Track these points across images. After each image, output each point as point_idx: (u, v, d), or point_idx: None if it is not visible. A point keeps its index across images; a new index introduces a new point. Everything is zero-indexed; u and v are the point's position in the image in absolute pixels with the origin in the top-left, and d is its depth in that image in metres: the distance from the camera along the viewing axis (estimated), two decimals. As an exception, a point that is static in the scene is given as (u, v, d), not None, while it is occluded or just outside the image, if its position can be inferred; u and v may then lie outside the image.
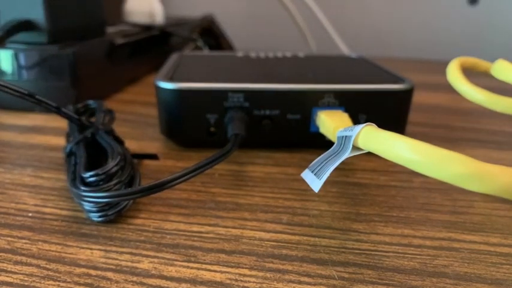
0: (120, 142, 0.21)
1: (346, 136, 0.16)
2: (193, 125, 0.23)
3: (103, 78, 0.34)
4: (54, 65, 0.29)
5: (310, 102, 0.22)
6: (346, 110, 0.22)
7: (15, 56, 0.28)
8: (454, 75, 0.23)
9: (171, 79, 0.23)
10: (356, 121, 0.23)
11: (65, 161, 0.21)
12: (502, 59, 0.22)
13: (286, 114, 0.23)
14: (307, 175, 0.17)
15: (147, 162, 0.22)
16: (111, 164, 0.17)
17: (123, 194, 0.16)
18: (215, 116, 0.22)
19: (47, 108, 0.20)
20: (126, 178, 0.17)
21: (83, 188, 0.16)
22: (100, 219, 0.17)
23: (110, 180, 0.17)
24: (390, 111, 0.23)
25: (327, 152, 0.17)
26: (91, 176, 0.17)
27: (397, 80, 0.24)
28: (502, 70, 0.22)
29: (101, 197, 0.16)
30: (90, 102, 0.24)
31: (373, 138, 0.14)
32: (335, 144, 0.17)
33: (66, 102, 0.27)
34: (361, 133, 0.15)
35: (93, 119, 0.23)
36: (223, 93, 0.22)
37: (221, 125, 0.23)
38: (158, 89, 0.23)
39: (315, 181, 0.16)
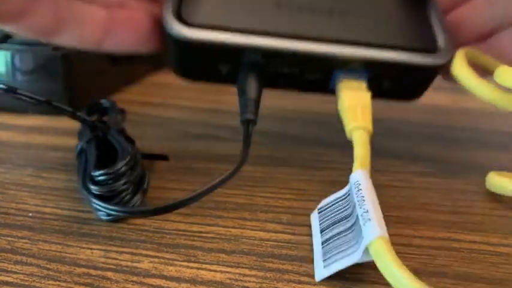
0: (131, 141, 0.21)
1: (358, 215, 0.14)
2: (202, 71, 0.21)
3: (99, 79, 0.33)
4: (47, 65, 0.28)
5: (332, 66, 0.20)
6: (371, 76, 0.20)
7: (9, 57, 0.28)
8: (462, 69, 0.20)
9: (179, 18, 0.19)
10: (377, 85, 0.21)
11: (76, 160, 0.21)
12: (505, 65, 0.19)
13: (305, 74, 0.21)
14: (314, 220, 0.17)
15: (154, 161, 0.22)
16: (121, 164, 0.17)
17: (135, 211, 0.17)
18: (227, 68, 0.20)
19: (62, 113, 0.20)
20: (135, 178, 0.18)
21: (92, 187, 0.17)
22: (108, 217, 0.17)
23: (119, 179, 0.17)
24: (416, 81, 0.21)
25: (337, 198, 0.16)
26: (100, 175, 0.17)
27: (434, 48, 0.20)
28: (506, 77, 0.19)
29: (113, 209, 0.16)
30: (103, 101, 0.23)
31: (381, 258, 0.13)
32: (347, 192, 0.16)
33: (61, 103, 0.27)
34: (372, 245, 0.13)
35: (105, 118, 0.23)
36: (238, 49, 0.19)
37: (234, 74, 0.20)
38: (165, 32, 0.19)
39: (319, 266, 0.15)
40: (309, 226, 0.17)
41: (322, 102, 0.24)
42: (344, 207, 0.16)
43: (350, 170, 0.22)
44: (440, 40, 0.20)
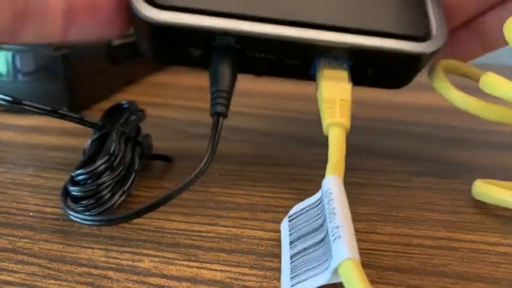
0: (137, 143, 0.21)
1: (328, 230, 0.13)
2: (173, 55, 0.20)
3: (100, 79, 0.34)
4: (48, 66, 0.29)
5: (313, 53, 0.19)
6: (354, 64, 0.19)
7: (10, 57, 0.28)
8: (441, 82, 0.20)
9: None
10: (360, 73, 0.20)
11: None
12: (491, 71, 0.18)
13: (284, 59, 0.19)
14: (284, 232, 0.16)
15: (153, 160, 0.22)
16: (98, 163, 0.17)
17: (104, 220, 0.17)
18: (199, 51, 0.19)
19: (69, 120, 0.21)
20: (115, 178, 0.18)
21: (71, 188, 0.17)
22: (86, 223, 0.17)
23: (98, 178, 0.17)
24: (403, 70, 0.20)
25: (309, 205, 0.15)
26: (78, 175, 0.17)
27: (423, 35, 0.19)
28: (492, 85, 0.18)
29: (82, 218, 0.16)
30: (123, 102, 0.23)
31: (350, 282, 0.12)
32: (319, 199, 0.15)
33: (61, 104, 0.27)
34: (341, 267, 0.12)
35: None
36: (209, 33, 0.18)
37: (207, 58, 0.19)
38: (131, 13, 0.18)
39: (286, 284, 0.14)
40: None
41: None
42: (315, 216, 0.15)
43: (350, 171, 0.22)
44: (433, 27, 0.19)
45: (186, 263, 0.15)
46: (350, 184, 0.20)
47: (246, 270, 0.15)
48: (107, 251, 0.16)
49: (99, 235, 0.16)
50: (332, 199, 0.14)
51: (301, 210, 0.16)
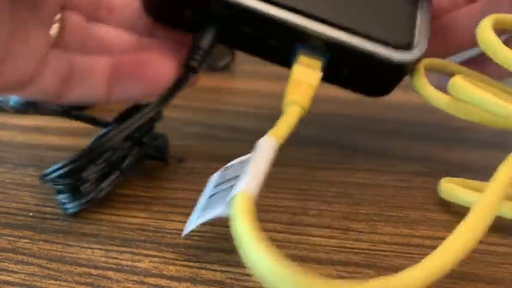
0: (138, 143, 0.21)
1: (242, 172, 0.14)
2: (168, 14, 0.20)
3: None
4: None
5: (293, 37, 0.19)
6: (330, 58, 0.20)
7: None
8: (419, 80, 0.20)
9: None
10: (337, 70, 0.20)
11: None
12: (461, 75, 0.18)
13: (266, 38, 0.20)
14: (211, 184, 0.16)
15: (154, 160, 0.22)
16: (78, 156, 0.17)
17: None
18: (189, 13, 0.20)
19: (82, 121, 0.21)
20: (97, 172, 0.18)
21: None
22: (73, 210, 0.17)
23: (78, 173, 0.17)
24: (377, 76, 0.20)
25: (245, 158, 0.16)
26: (56, 169, 0.17)
27: (402, 44, 0.19)
28: (460, 89, 0.18)
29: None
30: (145, 102, 0.23)
31: (235, 211, 0.12)
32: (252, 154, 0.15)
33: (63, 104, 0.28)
34: (234, 198, 0.13)
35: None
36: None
37: (196, 21, 0.20)
38: None
39: (193, 218, 0.15)
40: (309, 226, 0.17)
41: (322, 102, 0.24)
42: (242, 167, 0.15)
43: (350, 171, 0.22)
44: (415, 39, 0.19)
45: (186, 263, 0.15)
46: (350, 184, 0.21)
47: (246, 270, 0.15)
48: (107, 251, 0.16)
49: (98, 235, 0.16)
50: (258, 151, 0.15)
51: (235, 162, 0.16)
